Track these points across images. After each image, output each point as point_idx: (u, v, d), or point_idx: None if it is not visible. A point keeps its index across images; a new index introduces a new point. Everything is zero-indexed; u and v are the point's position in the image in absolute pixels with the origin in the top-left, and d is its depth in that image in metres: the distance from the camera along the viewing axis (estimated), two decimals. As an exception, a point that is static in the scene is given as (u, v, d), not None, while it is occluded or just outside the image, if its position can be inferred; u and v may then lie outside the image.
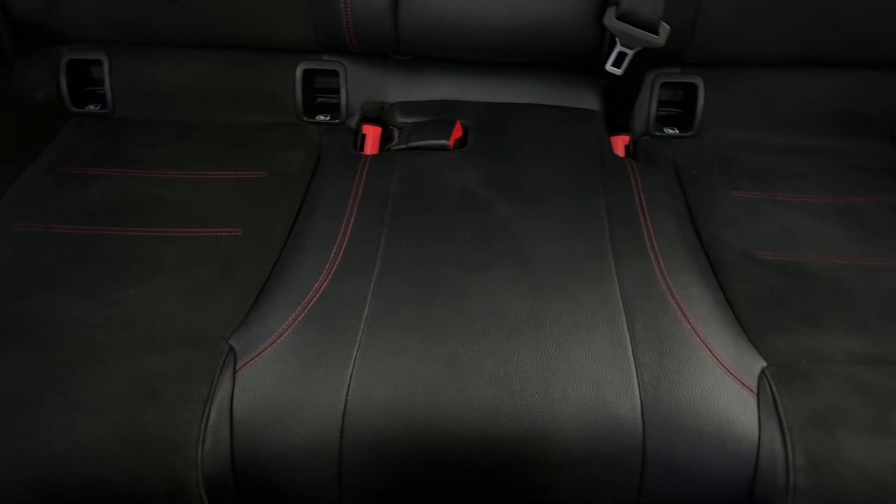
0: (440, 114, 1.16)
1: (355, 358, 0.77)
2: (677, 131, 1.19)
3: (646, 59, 1.09)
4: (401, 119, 1.16)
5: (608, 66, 1.09)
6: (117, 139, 1.13)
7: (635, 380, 0.75)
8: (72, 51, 1.18)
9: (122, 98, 1.19)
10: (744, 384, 0.76)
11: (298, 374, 0.76)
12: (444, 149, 1.08)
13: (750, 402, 0.75)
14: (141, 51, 1.18)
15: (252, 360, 0.78)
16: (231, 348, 0.79)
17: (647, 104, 1.19)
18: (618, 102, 1.19)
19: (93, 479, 0.71)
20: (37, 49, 1.19)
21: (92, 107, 1.19)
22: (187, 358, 0.78)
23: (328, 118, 1.19)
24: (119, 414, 0.72)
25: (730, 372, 0.77)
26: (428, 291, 0.83)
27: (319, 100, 1.22)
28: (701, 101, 1.17)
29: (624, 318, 0.80)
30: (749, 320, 0.84)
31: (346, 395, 0.75)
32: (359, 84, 1.20)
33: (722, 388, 0.76)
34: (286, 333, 0.80)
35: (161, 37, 1.15)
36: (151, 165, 1.06)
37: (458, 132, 1.11)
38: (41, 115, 1.15)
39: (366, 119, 1.20)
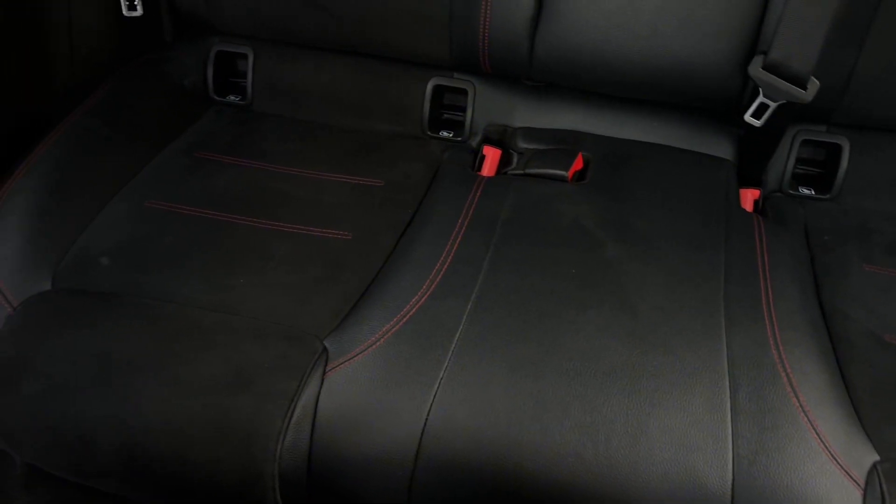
0: (563, 143, 1.14)
1: (441, 379, 0.76)
2: (813, 192, 1.12)
3: (789, 114, 1.04)
4: (522, 144, 1.16)
5: (747, 117, 1.04)
6: (251, 131, 1.18)
7: (730, 451, 0.71)
8: (221, 43, 1.24)
9: (261, 92, 1.24)
10: (850, 476, 0.70)
11: (384, 384, 0.77)
12: (561, 179, 1.06)
13: (855, 497, 0.69)
14: (283, 49, 1.23)
15: (343, 363, 0.79)
16: (325, 349, 0.81)
17: (784, 160, 1.13)
18: (752, 154, 1.13)
19: (175, 456, 0.74)
20: (191, 39, 1.26)
21: (232, 97, 1.25)
22: (282, 352, 0.80)
23: (451, 135, 1.20)
24: (210, 397, 0.75)
25: (836, 460, 0.71)
26: (523, 323, 0.81)
27: (445, 116, 1.24)
28: (844, 163, 1.09)
29: (727, 383, 0.76)
30: (866, 407, 0.77)
31: (428, 415, 0.74)
32: (485, 105, 1.20)
33: (825, 476, 0.70)
34: (379, 342, 0.80)
35: (303, 38, 1.20)
36: (279, 160, 1.10)
37: (578, 164, 1.09)
38: (185, 100, 1.22)
39: (487, 140, 1.20)
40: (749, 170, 1.13)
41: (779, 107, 1.01)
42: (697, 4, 1.02)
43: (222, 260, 0.92)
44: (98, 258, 0.90)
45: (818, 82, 0.99)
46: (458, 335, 0.80)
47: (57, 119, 1.07)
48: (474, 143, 1.20)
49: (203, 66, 1.24)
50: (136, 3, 1.18)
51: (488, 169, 1.14)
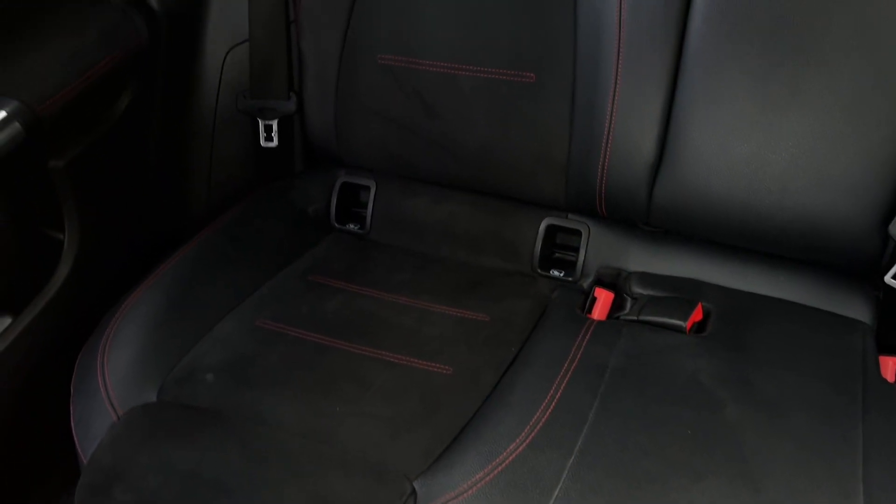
0: (681, 291, 1.09)
1: None
2: None
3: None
4: (637, 289, 1.11)
5: (888, 279, 0.95)
6: (366, 258, 1.21)
7: None
8: (347, 175, 1.30)
9: (379, 222, 1.28)
10: None
11: None
12: (679, 330, 1.00)
13: None
14: (404, 184, 1.27)
15: None
16: (413, 491, 0.77)
17: None
18: (893, 319, 1.04)
19: None
20: (319, 169, 1.33)
21: (352, 225, 1.30)
22: (369, 487, 0.76)
23: (562, 274, 1.18)
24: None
25: None
26: (629, 487, 0.74)
27: (556, 255, 1.22)
28: None
29: None
30: None
31: None
32: (599, 247, 1.17)
33: None
34: (470, 491, 0.75)
35: (423, 174, 1.24)
36: (388, 289, 1.11)
37: (697, 315, 1.03)
38: (308, 227, 1.28)
39: (600, 282, 1.16)
40: (890, 336, 1.03)
41: None
42: (831, 159, 0.97)
43: (321, 384, 0.91)
44: (204, 373, 0.92)
45: None
46: (556, 493, 0.74)
47: (189, 236, 1.14)
48: (585, 284, 1.17)
49: (328, 195, 1.30)
50: (272, 134, 1.27)
51: (599, 312, 1.10)
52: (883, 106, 0.94)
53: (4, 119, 0.91)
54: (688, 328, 1.00)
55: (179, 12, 1.19)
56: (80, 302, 1.09)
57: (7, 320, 1.00)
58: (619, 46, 1.03)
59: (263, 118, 1.27)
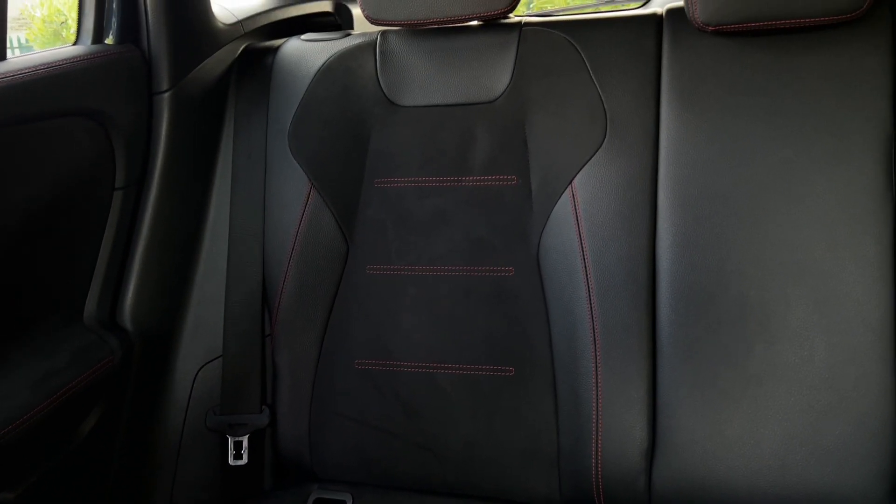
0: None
1: None
2: None
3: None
4: None
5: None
6: None
7: None
8: (321, 489, 1.22)
9: None
10: None
11: None
12: None
13: None
14: (383, 495, 1.19)
15: None
16: None
17: None
18: None
19: None
20: (290, 486, 1.24)
21: None
22: None
23: None
24: None
25: None
26: None
27: None
28: None
29: None
30: None
31: None
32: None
33: None
34: None
35: (405, 480, 1.17)
36: None
37: None
38: None
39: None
40: None
41: None
42: (823, 431, 0.97)
43: None
44: None
45: None
46: None
47: None
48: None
49: None
50: (242, 451, 1.21)
51: None
52: (859, 375, 0.97)
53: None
54: None
55: (153, 332, 1.19)
56: None
57: None
58: (594, 336, 1.06)
59: (233, 434, 1.21)
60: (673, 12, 1.10)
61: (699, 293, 1.03)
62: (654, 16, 1.11)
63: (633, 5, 1.82)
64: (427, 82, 1.17)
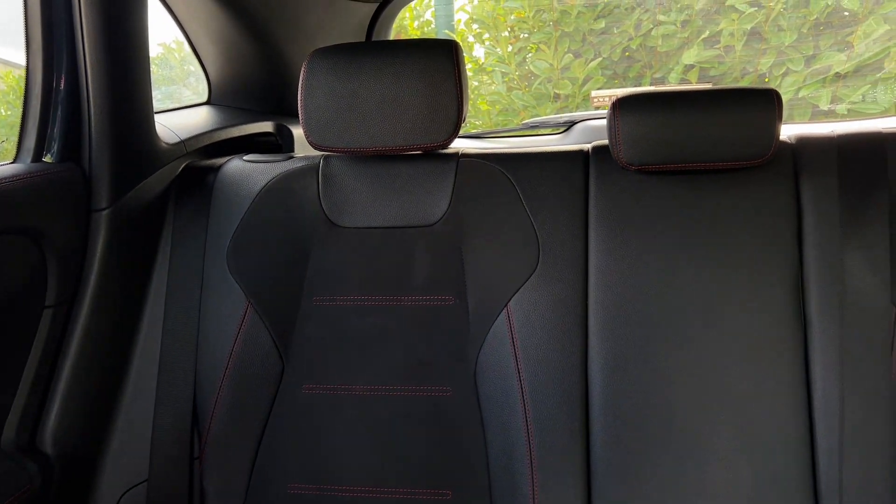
0: None
1: None
2: None
3: None
4: None
5: None
6: None
7: None
8: None
9: None
10: None
11: None
12: None
13: None
14: None
15: None
16: None
17: None
18: None
19: None
20: None
21: None
22: None
23: None
24: None
25: None
26: None
27: None
28: None
29: None
30: None
31: None
32: None
33: None
34: None
35: None
36: None
37: None
38: None
39: None
40: None
41: None
42: None
43: None
44: None
45: None
46: None
47: None
48: None
49: None
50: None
51: None
52: (781, 497, 1.02)
53: None
54: None
55: (74, 455, 1.13)
56: None
57: None
58: (531, 458, 1.08)
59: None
60: (598, 149, 1.19)
61: (631, 416, 1.07)
62: (581, 152, 1.20)
63: (556, 130, 1.95)
64: (368, 205, 1.21)
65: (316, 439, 1.16)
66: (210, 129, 1.40)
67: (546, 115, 3.37)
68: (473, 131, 2.09)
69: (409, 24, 4.03)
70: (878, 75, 3.14)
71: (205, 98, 1.61)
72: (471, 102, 3.91)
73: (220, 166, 1.28)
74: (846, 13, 3.20)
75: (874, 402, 1.02)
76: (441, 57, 1.14)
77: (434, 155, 1.22)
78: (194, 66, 1.59)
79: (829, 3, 3.18)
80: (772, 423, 1.04)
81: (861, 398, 1.03)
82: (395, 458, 1.14)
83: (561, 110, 3.68)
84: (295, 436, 1.16)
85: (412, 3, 4.00)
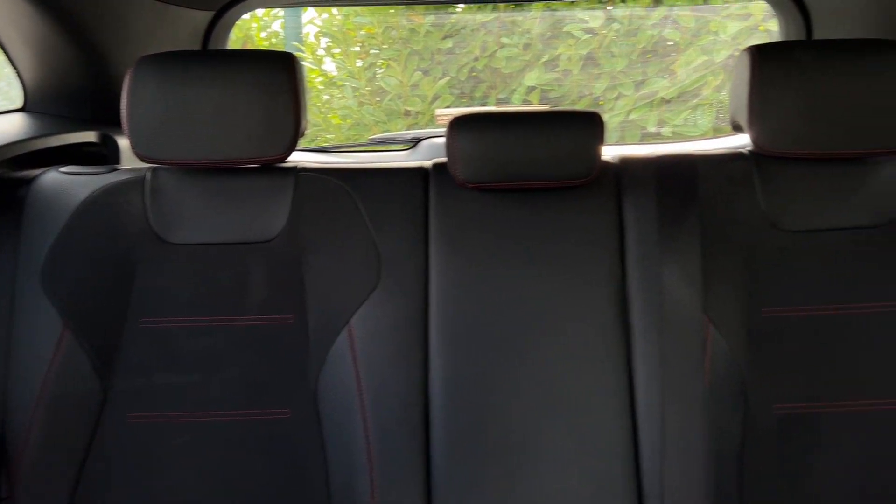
0: None
1: None
2: None
3: None
4: None
5: None
6: None
7: None
8: None
9: None
10: None
11: None
12: None
13: None
14: None
15: None
16: None
17: None
18: None
19: None
20: None
21: None
22: None
23: None
24: None
25: None
26: None
27: None
28: None
29: None
30: None
31: None
32: None
33: None
34: None
35: None
36: None
37: None
38: None
39: None
40: None
41: None
42: None
43: None
44: None
45: None
46: None
47: None
48: None
49: None
50: None
51: None
52: (610, 499, 1.07)
53: None
54: None
55: None
56: None
57: None
58: (371, 478, 1.07)
59: None
60: (438, 166, 1.21)
61: (469, 429, 1.09)
62: (421, 169, 1.21)
63: (403, 147, 1.96)
64: (200, 220, 1.16)
65: (145, 472, 1.08)
66: (23, 137, 1.28)
67: (397, 130, 3.40)
68: (323, 145, 2.06)
69: (257, 34, 3.93)
70: (696, 101, 3.43)
71: (19, 104, 1.48)
72: (322, 116, 3.88)
73: (33, 179, 1.18)
74: (670, 43, 3.47)
75: (691, 405, 1.10)
76: (277, 69, 1.12)
77: (271, 169, 1.19)
78: (8, 69, 1.46)
79: (655, 34, 3.43)
80: (600, 428, 1.10)
81: (679, 402, 1.10)
82: (231, 487, 1.09)
83: (411, 126, 3.72)
84: (120, 470, 1.08)
85: (259, 13, 3.91)
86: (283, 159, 1.14)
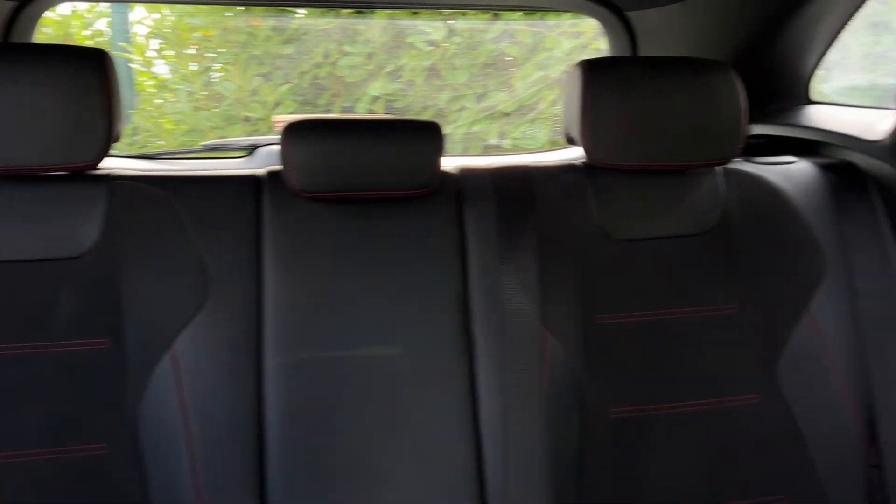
0: None
1: None
2: None
3: None
4: None
5: None
6: None
7: None
8: None
9: None
10: None
11: None
12: None
13: None
14: None
15: None
16: None
17: None
18: None
19: None
20: None
21: None
22: None
23: None
24: None
25: None
26: None
27: None
28: None
29: None
30: None
31: None
32: None
33: None
34: None
35: None
36: None
37: None
38: None
39: None
40: None
41: None
42: None
43: None
44: None
45: None
46: None
47: None
48: None
49: None
50: None
51: None
52: None
53: None
54: None
55: None
56: None
57: None
58: None
59: None
60: (273, 175, 1.14)
61: (308, 454, 1.03)
62: (253, 177, 1.14)
63: (239, 154, 1.86)
64: (-3, 235, 1.02)
65: None
66: None
67: (237, 136, 3.24)
68: (150, 152, 1.91)
69: (78, 32, 3.63)
70: (534, 115, 3.56)
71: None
72: (153, 121, 3.63)
73: None
74: (508, 58, 3.58)
75: (531, 413, 1.11)
76: (86, 66, 1.01)
77: (81, 177, 1.07)
78: None
79: (494, 48, 3.52)
80: (445, 441, 1.08)
81: (520, 410, 1.11)
82: None
83: (251, 133, 3.58)
84: None
85: (82, 8, 3.61)
86: (94, 166, 1.03)
